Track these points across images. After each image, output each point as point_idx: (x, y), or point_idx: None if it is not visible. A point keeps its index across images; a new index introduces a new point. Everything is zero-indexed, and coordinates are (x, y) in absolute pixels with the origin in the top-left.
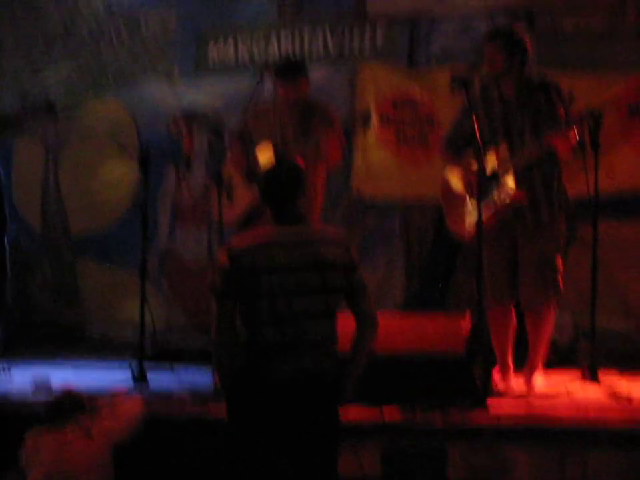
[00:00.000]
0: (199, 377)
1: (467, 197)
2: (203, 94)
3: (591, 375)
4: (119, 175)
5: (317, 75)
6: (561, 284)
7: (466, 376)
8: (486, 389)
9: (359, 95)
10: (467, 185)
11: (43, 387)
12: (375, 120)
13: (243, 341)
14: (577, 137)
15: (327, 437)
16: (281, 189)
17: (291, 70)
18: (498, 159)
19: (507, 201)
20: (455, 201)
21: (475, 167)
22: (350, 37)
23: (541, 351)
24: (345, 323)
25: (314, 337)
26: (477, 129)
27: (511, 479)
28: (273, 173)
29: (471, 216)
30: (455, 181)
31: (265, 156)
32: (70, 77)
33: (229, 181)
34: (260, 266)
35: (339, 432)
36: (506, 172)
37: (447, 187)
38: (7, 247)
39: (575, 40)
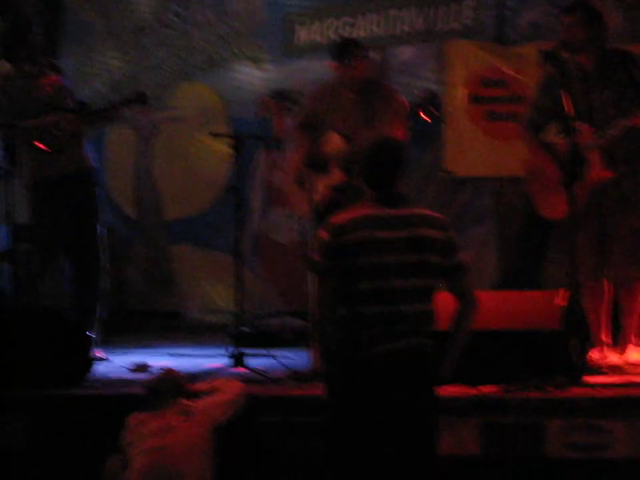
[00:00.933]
0: (296, 359)
1: (553, 181)
2: (291, 77)
3: None
4: (211, 159)
5: (405, 54)
6: None
7: (562, 352)
8: (582, 365)
9: (447, 74)
10: (553, 166)
11: (142, 370)
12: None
13: (342, 317)
14: None
15: (426, 415)
16: (383, 171)
17: (351, 49)
18: (581, 136)
19: (594, 179)
20: (542, 186)
21: (561, 145)
22: (437, 16)
23: (635, 324)
24: (443, 302)
25: (413, 316)
26: (565, 104)
27: (610, 453)
28: (375, 154)
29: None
30: (540, 163)
31: (332, 145)
32: (160, 64)
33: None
34: (360, 244)
35: (438, 409)
36: (590, 149)
37: (532, 171)
38: (101, 235)
39: None
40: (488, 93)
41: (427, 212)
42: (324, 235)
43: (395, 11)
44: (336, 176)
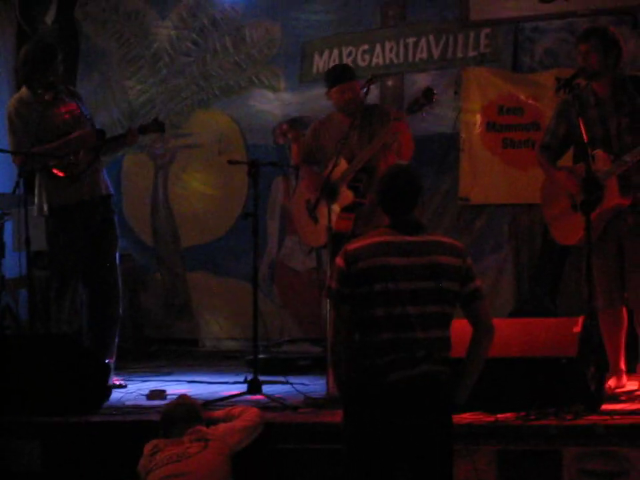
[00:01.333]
0: (312, 386)
1: (570, 207)
2: (308, 104)
3: None
4: (227, 186)
5: (422, 81)
6: None
7: (579, 380)
8: (599, 393)
9: (464, 101)
10: (569, 194)
11: (158, 397)
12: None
13: (357, 343)
14: None
15: (441, 442)
16: (399, 198)
17: (345, 74)
18: (598, 163)
19: (611, 206)
20: (558, 212)
21: (578, 172)
22: (454, 44)
23: None
24: (459, 330)
25: (429, 343)
26: (582, 131)
27: None
28: (391, 180)
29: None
30: (556, 190)
31: (339, 170)
32: (177, 91)
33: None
34: (377, 271)
35: (452, 437)
36: (607, 176)
37: (548, 196)
38: (118, 263)
39: None
40: (504, 120)
41: (444, 239)
42: (340, 261)
43: (412, 38)
44: (345, 197)
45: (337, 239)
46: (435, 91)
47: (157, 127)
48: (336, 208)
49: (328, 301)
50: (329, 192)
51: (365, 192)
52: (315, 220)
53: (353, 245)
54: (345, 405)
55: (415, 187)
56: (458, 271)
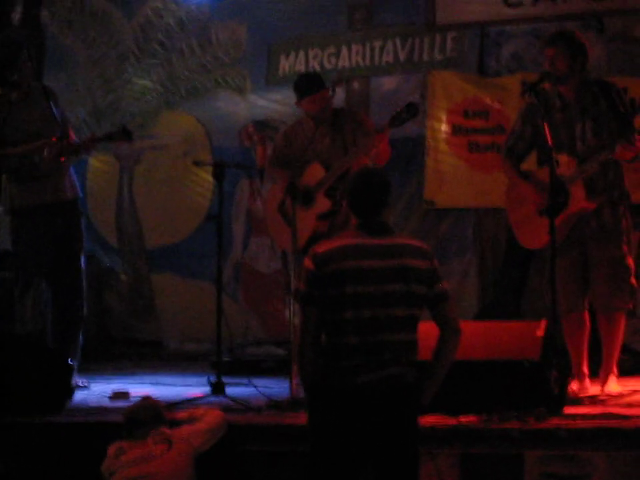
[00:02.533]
0: (276, 388)
1: (535, 211)
2: (274, 106)
3: None
4: (193, 188)
5: (388, 84)
6: (635, 285)
7: (542, 383)
8: (562, 397)
9: (429, 104)
10: (534, 196)
11: (122, 398)
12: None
13: (325, 346)
14: None
15: (407, 444)
16: (369, 199)
17: (314, 84)
18: (562, 166)
19: (576, 210)
20: (522, 215)
21: (542, 175)
22: (420, 47)
23: (615, 355)
24: (424, 332)
25: (397, 346)
26: (548, 136)
27: None
28: (361, 182)
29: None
30: (521, 193)
31: (314, 175)
32: (143, 92)
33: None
34: (346, 274)
35: (418, 439)
36: (572, 180)
37: (513, 200)
38: (83, 264)
39: None
40: (470, 123)
41: (412, 241)
42: (309, 264)
43: (379, 42)
44: (322, 204)
45: (307, 244)
46: (418, 106)
47: (124, 135)
48: (311, 214)
49: (293, 303)
50: (304, 197)
51: (341, 199)
52: (288, 223)
53: (322, 247)
54: (311, 406)
55: (385, 188)
56: (425, 274)
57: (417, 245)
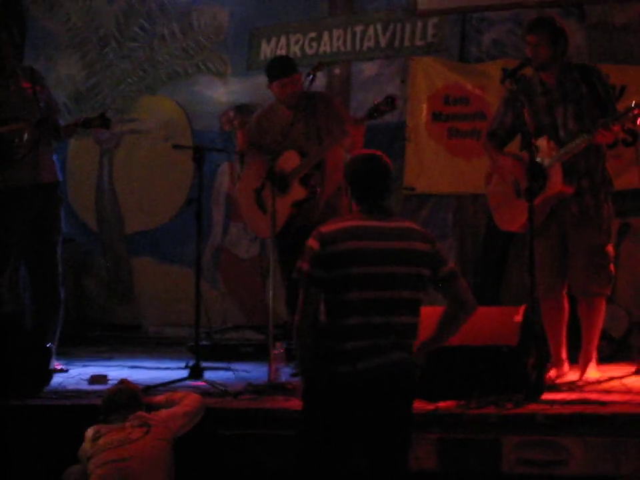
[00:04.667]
0: (254, 373)
1: (514, 194)
2: (255, 91)
3: None
4: (172, 172)
5: (369, 70)
6: (613, 272)
7: (520, 369)
8: (540, 382)
9: (410, 90)
10: (514, 180)
11: (100, 381)
12: None
13: (327, 327)
14: (622, 129)
15: (402, 430)
16: (374, 183)
17: (287, 67)
18: (543, 151)
19: (554, 193)
20: (502, 199)
21: (522, 159)
22: (401, 33)
23: (594, 341)
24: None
25: (400, 328)
26: (529, 121)
27: (565, 469)
28: (366, 167)
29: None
30: (501, 177)
31: (290, 162)
32: (123, 76)
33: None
34: (351, 254)
35: (413, 424)
36: (552, 164)
37: (493, 183)
38: (60, 250)
39: (626, 33)
40: (450, 109)
41: (415, 225)
42: (314, 243)
43: (360, 27)
44: (297, 192)
45: (282, 231)
46: (396, 99)
47: (102, 122)
48: (286, 201)
49: (272, 288)
50: (278, 183)
51: (316, 187)
52: (263, 210)
53: (328, 227)
54: (308, 390)
55: (389, 173)
56: (430, 257)
57: (419, 229)
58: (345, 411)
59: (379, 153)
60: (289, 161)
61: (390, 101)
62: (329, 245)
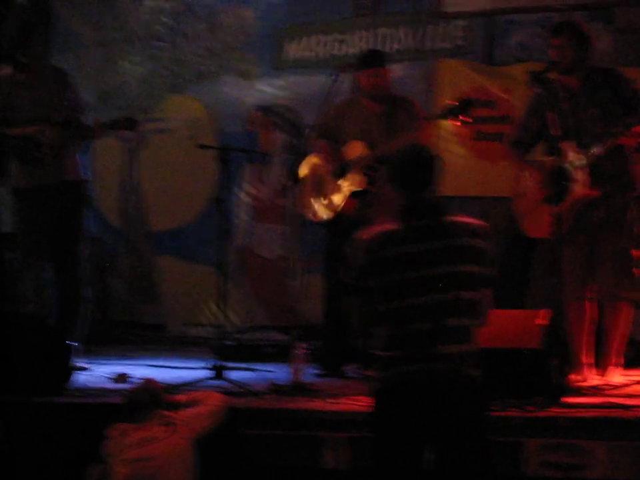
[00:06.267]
0: (278, 373)
1: (540, 200)
2: (280, 91)
3: None
4: (197, 172)
5: (394, 72)
6: (636, 276)
7: (542, 372)
8: (562, 385)
9: (436, 93)
10: (540, 186)
11: (123, 380)
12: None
13: (381, 335)
14: None
15: (475, 436)
16: (417, 175)
17: (376, 59)
18: (568, 155)
19: (581, 197)
20: (528, 204)
21: (548, 164)
22: (427, 35)
23: (618, 346)
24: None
25: (454, 333)
26: (552, 125)
27: (588, 473)
28: (411, 157)
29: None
30: (527, 182)
31: (355, 151)
32: (149, 76)
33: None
34: (397, 259)
35: (486, 433)
36: (578, 168)
37: (519, 189)
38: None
39: None
40: (477, 112)
41: (467, 219)
42: (355, 252)
43: (385, 29)
44: (357, 182)
45: (338, 220)
46: (473, 103)
47: (128, 124)
48: (342, 186)
49: (298, 289)
50: (339, 170)
51: (377, 181)
52: (322, 194)
53: (368, 234)
54: (375, 389)
55: (434, 162)
56: (485, 255)
57: (474, 222)
58: (407, 417)
59: (424, 145)
60: (354, 150)
61: (466, 106)
62: (371, 252)
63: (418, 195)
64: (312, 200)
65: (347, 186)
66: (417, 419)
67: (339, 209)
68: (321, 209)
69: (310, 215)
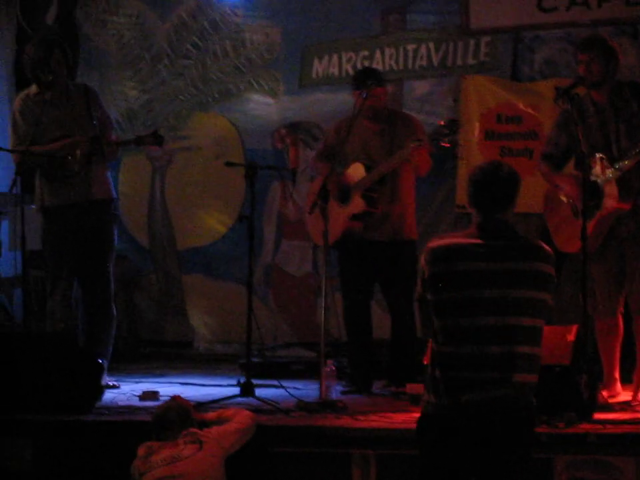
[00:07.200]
0: (305, 390)
1: (572, 214)
2: (307, 109)
3: None
4: (224, 190)
5: (421, 88)
6: None
7: (572, 388)
8: (592, 401)
9: (462, 109)
10: (571, 201)
11: (151, 398)
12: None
13: (437, 353)
14: None
15: (515, 472)
16: (494, 195)
17: (372, 78)
18: (597, 169)
19: (610, 210)
20: (560, 220)
21: (578, 179)
22: (453, 51)
23: None
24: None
25: (515, 360)
26: (582, 140)
27: None
28: (488, 177)
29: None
30: (557, 197)
31: (355, 175)
32: (176, 93)
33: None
34: (457, 275)
35: (529, 469)
36: (607, 181)
37: (551, 204)
38: (111, 268)
39: None
40: (502, 128)
41: (541, 244)
42: (422, 263)
43: (412, 45)
44: (357, 205)
45: (344, 241)
46: (458, 122)
47: (155, 139)
48: (346, 212)
49: (324, 305)
50: (342, 194)
51: (377, 202)
52: (325, 218)
53: (435, 243)
54: (421, 416)
55: (512, 182)
56: (551, 280)
57: (544, 248)
58: (450, 444)
59: (505, 162)
60: (354, 173)
61: (452, 126)
62: (433, 263)
63: (490, 215)
64: (316, 225)
65: (348, 211)
66: (463, 450)
67: (341, 233)
68: (321, 233)
69: (312, 237)
